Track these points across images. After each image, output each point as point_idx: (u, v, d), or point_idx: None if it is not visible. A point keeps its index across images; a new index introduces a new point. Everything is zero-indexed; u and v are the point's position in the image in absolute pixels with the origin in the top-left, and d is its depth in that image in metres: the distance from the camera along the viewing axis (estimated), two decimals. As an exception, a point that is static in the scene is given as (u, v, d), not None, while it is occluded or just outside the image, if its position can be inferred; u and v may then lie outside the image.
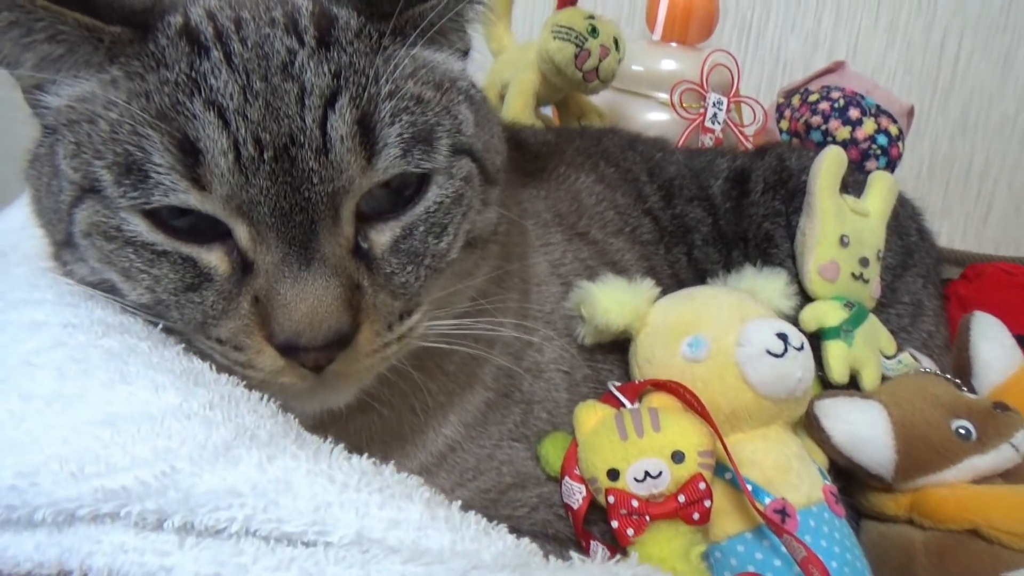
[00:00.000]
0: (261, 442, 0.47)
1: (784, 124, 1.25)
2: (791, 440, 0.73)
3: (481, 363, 0.70)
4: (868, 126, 1.15)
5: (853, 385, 0.84)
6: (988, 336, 0.88)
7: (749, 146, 1.23)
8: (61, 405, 0.48)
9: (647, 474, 0.64)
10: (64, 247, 0.59)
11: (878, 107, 1.18)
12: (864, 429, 0.75)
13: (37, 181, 0.59)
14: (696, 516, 0.63)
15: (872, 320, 0.88)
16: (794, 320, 0.82)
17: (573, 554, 0.50)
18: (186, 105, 0.51)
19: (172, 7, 0.55)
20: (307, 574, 0.42)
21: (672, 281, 0.91)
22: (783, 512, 0.67)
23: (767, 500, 0.67)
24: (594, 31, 1.10)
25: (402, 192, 0.57)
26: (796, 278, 0.88)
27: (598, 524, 0.67)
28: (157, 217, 0.53)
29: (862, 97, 1.19)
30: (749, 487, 0.66)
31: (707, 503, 0.63)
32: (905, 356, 0.88)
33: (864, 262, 0.89)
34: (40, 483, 0.43)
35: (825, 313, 0.85)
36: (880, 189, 0.94)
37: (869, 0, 1.72)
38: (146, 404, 0.48)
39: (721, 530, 0.68)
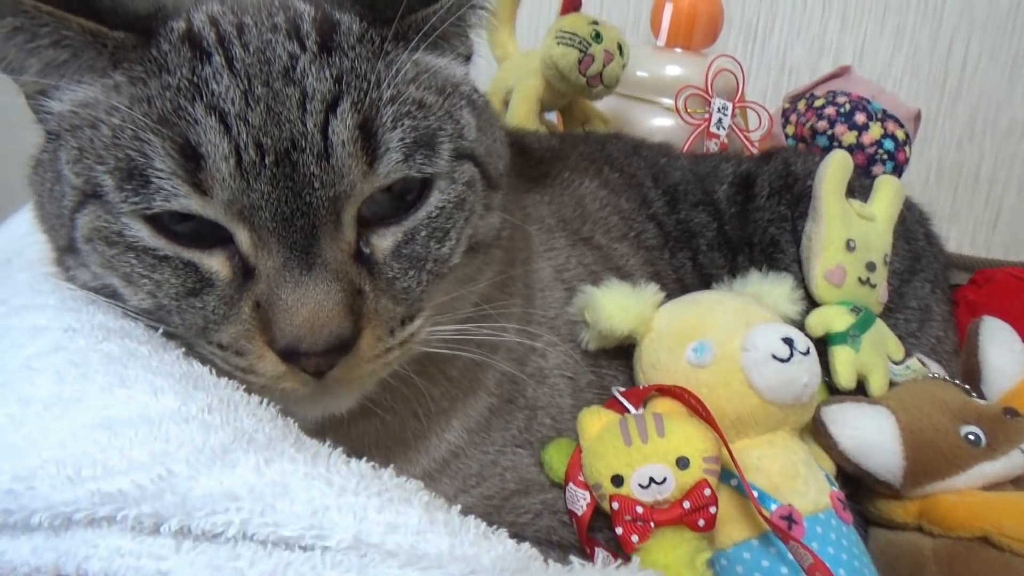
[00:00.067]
0: (259, 445, 0.47)
1: (790, 129, 1.24)
2: (798, 446, 0.72)
3: (484, 369, 0.70)
4: (874, 131, 1.14)
5: (860, 391, 0.83)
6: (997, 341, 0.88)
7: (755, 151, 1.23)
8: (60, 409, 0.48)
9: (652, 480, 0.63)
10: (66, 252, 0.59)
11: (884, 112, 1.18)
12: (872, 435, 0.75)
13: (40, 187, 0.59)
14: (701, 523, 0.62)
15: (879, 325, 0.87)
16: (800, 325, 0.81)
17: (573, 558, 0.50)
18: (188, 110, 0.51)
19: (175, 13, 0.55)
20: (303, 578, 0.42)
21: (677, 286, 0.90)
22: (790, 519, 0.66)
23: (773, 506, 0.67)
24: (598, 36, 1.10)
25: (404, 197, 0.57)
26: (802, 283, 0.88)
27: (603, 531, 0.67)
28: (159, 222, 0.53)
29: (868, 102, 1.18)
30: (755, 493, 0.65)
31: (712, 509, 0.62)
32: (913, 362, 0.87)
33: (871, 267, 0.88)
34: (37, 487, 0.43)
35: (832, 318, 0.84)
36: (886, 193, 0.93)
37: (875, 5, 1.72)
38: (144, 408, 0.48)
39: (727, 537, 0.67)
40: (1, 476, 0.44)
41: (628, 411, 0.70)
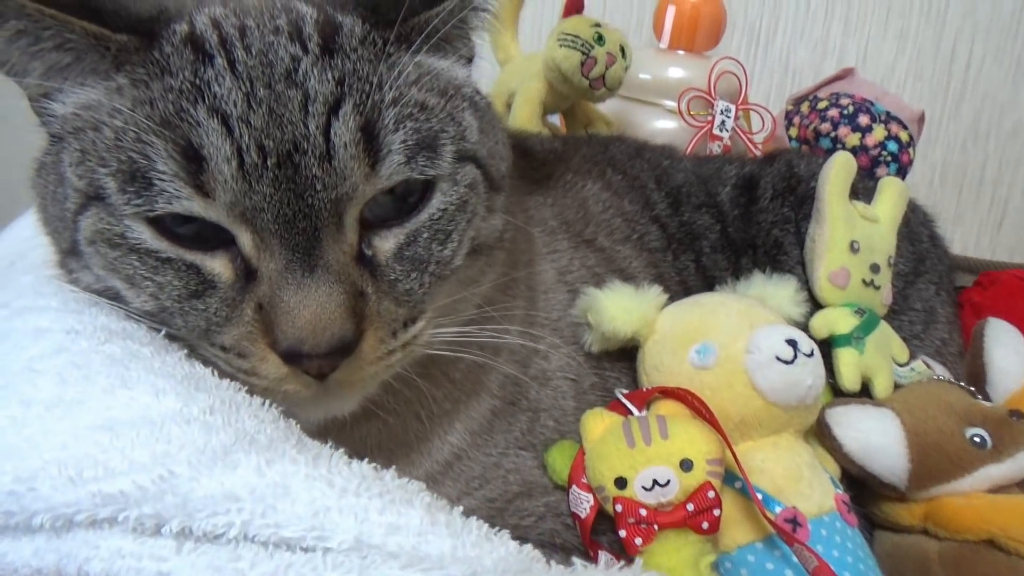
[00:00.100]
0: (260, 446, 0.47)
1: (793, 131, 1.24)
2: (802, 448, 0.72)
3: (487, 371, 0.70)
4: (878, 132, 1.14)
5: (865, 393, 0.83)
6: (1003, 343, 0.87)
7: (758, 153, 1.23)
8: (62, 410, 0.48)
9: (655, 482, 0.63)
10: (69, 255, 0.59)
11: (888, 113, 1.17)
12: (876, 437, 0.74)
13: (43, 189, 0.60)
14: (705, 525, 0.62)
15: (884, 327, 0.87)
16: (804, 327, 0.81)
17: (575, 560, 0.50)
18: (190, 112, 0.51)
19: (178, 15, 0.55)
20: (303, 580, 0.42)
21: (680, 288, 0.90)
22: (794, 521, 0.66)
23: (778, 509, 0.66)
24: (600, 39, 1.10)
25: (406, 199, 0.57)
26: (806, 285, 0.87)
27: (606, 534, 0.66)
28: (161, 224, 0.53)
29: (872, 103, 1.18)
30: (759, 496, 0.65)
31: (716, 512, 0.62)
32: (918, 364, 0.87)
33: (875, 268, 0.88)
34: (38, 488, 0.43)
35: (836, 320, 0.84)
36: (890, 195, 0.93)
37: (878, 8, 1.71)
38: (146, 409, 0.48)
39: (731, 540, 0.67)
40: (3, 478, 0.44)
41: (631, 413, 0.70)
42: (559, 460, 0.70)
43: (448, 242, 0.59)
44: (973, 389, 0.83)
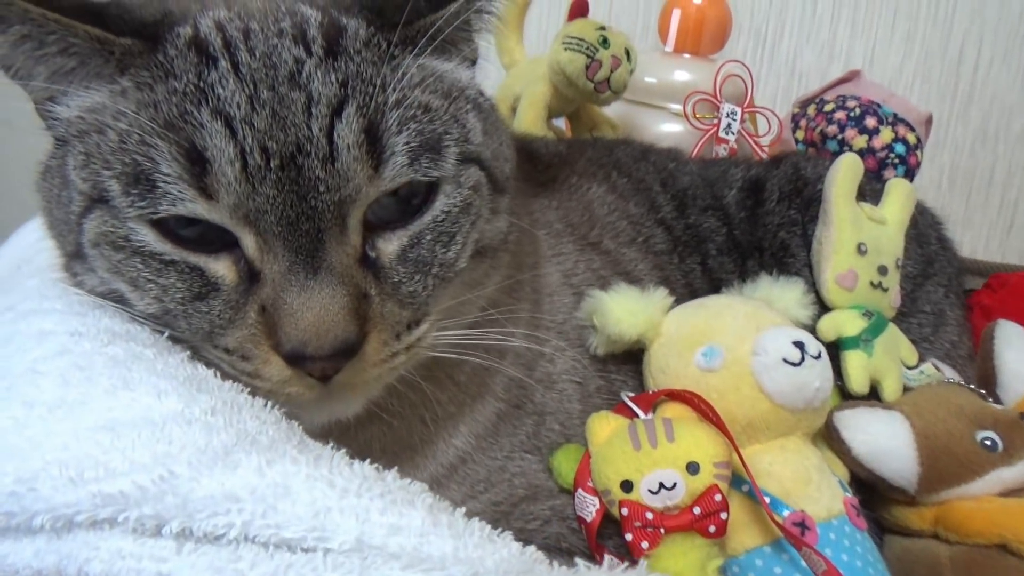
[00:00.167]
0: (261, 447, 0.47)
1: (800, 134, 1.24)
2: (810, 451, 0.71)
3: (492, 374, 0.70)
4: (885, 135, 1.13)
5: (874, 396, 0.82)
6: (1013, 345, 0.86)
7: (764, 156, 1.22)
8: (63, 411, 0.48)
9: (661, 486, 0.62)
10: (74, 258, 0.59)
11: (895, 116, 1.17)
12: (886, 440, 0.73)
13: (48, 193, 0.60)
14: (712, 529, 0.61)
15: (892, 329, 0.86)
16: (812, 330, 0.80)
17: (579, 560, 0.49)
18: (193, 115, 0.51)
19: (182, 19, 0.56)
20: (303, 580, 0.41)
21: (686, 291, 0.89)
22: (802, 525, 0.65)
23: (786, 512, 0.66)
24: (605, 42, 1.10)
25: (410, 201, 0.57)
26: (813, 288, 0.87)
27: (612, 538, 0.66)
28: (165, 227, 0.53)
29: (879, 106, 1.18)
30: (767, 499, 0.64)
31: (723, 515, 0.61)
32: (927, 366, 0.86)
33: (883, 270, 0.87)
34: (39, 488, 0.43)
35: (843, 322, 0.84)
36: (898, 196, 0.92)
37: (885, 10, 1.71)
38: (148, 410, 0.48)
39: (739, 543, 0.66)
40: (4, 478, 0.44)
41: (637, 416, 0.69)
42: (564, 463, 0.70)
43: (452, 244, 0.59)
44: (983, 392, 0.82)
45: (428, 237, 0.57)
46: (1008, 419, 0.76)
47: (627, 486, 0.63)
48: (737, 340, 0.71)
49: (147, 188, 0.51)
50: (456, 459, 0.67)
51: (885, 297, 0.87)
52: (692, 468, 0.62)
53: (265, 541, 0.42)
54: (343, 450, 0.52)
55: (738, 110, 1.25)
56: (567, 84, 1.12)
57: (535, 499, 0.69)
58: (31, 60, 0.55)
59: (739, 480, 0.66)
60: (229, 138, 0.51)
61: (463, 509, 0.50)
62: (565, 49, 1.10)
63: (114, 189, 0.52)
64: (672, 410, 0.69)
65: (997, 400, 0.83)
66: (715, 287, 0.92)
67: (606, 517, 0.65)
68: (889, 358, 0.83)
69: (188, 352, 0.57)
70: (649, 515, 0.62)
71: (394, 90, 0.54)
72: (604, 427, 0.69)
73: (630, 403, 0.71)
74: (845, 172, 0.88)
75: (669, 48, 1.36)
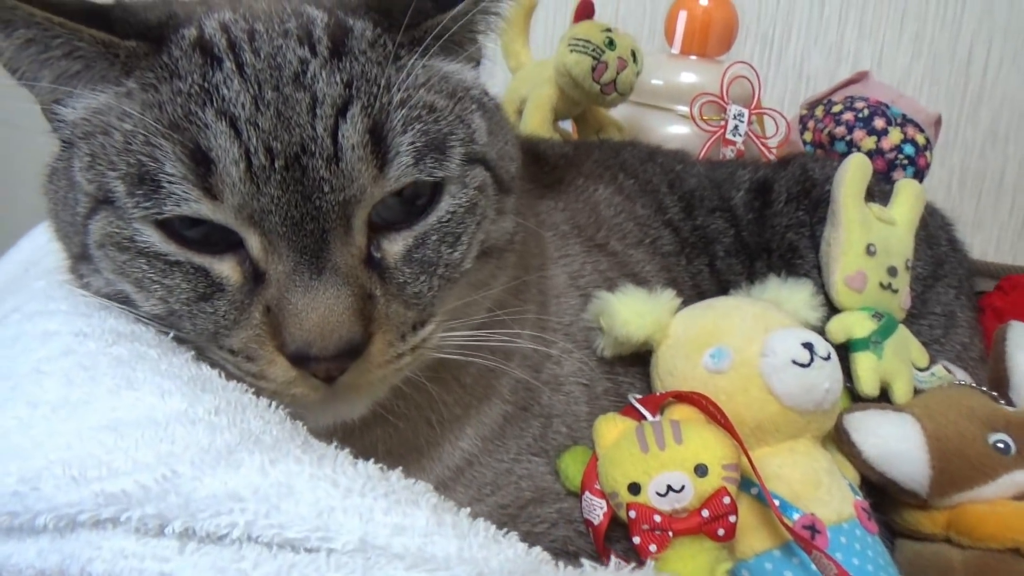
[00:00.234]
0: (265, 446, 0.47)
1: (808, 136, 1.23)
2: (820, 454, 0.70)
3: (499, 375, 0.69)
4: (894, 136, 1.12)
5: (884, 398, 0.81)
6: (1026, 346, 0.85)
7: (772, 158, 1.22)
8: (67, 411, 0.48)
9: (669, 488, 0.62)
10: (80, 260, 0.59)
11: (904, 116, 1.16)
12: (896, 443, 0.72)
13: (54, 195, 0.60)
14: (721, 532, 0.61)
15: (903, 331, 0.85)
16: (821, 332, 0.79)
17: (585, 561, 0.49)
18: (198, 115, 0.51)
19: (187, 21, 0.56)
20: (306, 580, 0.41)
21: (694, 293, 0.89)
22: (812, 528, 0.64)
23: (795, 516, 0.65)
24: (611, 44, 1.10)
25: (415, 201, 0.57)
26: (822, 289, 0.86)
27: (620, 541, 0.65)
28: (170, 227, 0.53)
29: (887, 107, 1.17)
30: (776, 502, 0.64)
31: (732, 518, 0.61)
32: (938, 368, 0.85)
33: (892, 271, 0.86)
34: (42, 488, 0.43)
35: (853, 324, 0.83)
36: (907, 197, 0.91)
37: (893, 12, 1.70)
38: (151, 409, 0.48)
39: (748, 547, 0.65)
40: (7, 478, 0.44)
41: (645, 418, 0.69)
42: (572, 466, 0.69)
43: (457, 244, 0.58)
44: (995, 394, 0.81)
45: (433, 238, 0.57)
46: (1021, 421, 0.75)
47: (635, 488, 0.63)
48: (745, 341, 0.70)
49: (152, 188, 0.51)
50: (462, 461, 0.67)
51: (895, 299, 0.87)
52: (700, 470, 0.62)
53: (268, 541, 0.42)
54: (347, 449, 0.52)
55: (745, 112, 1.25)
56: (573, 86, 1.11)
57: (542, 502, 0.68)
58: (36, 64, 0.55)
59: (748, 483, 0.65)
60: (234, 138, 0.51)
61: (467, 509, 0.50)
62: (571, 51, 1.10)
63: (119, 190, 0.52)
64: (680, 412, 0.68)
65: (1009, 402, 0.82)
66: (723, 289, 0.91)
67: (613, 520, 0.65)
68: (899, 360, 0.82)
69: (193, 352, 0.56)
70: (657, 518, 0.61)
71: (399, 90, 0.54)
72: (611, 429, 0.68)
73: (637, 405, 0.71)
74: (854, 172, 0.87)
75: (675, 50, 1.35)
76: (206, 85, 0.52)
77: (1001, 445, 0.72)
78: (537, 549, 0.49)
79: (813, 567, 0.62)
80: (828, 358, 0.68)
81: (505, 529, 0.49)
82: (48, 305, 0.59)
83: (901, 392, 0.81)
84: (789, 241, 0.92)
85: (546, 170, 0.92)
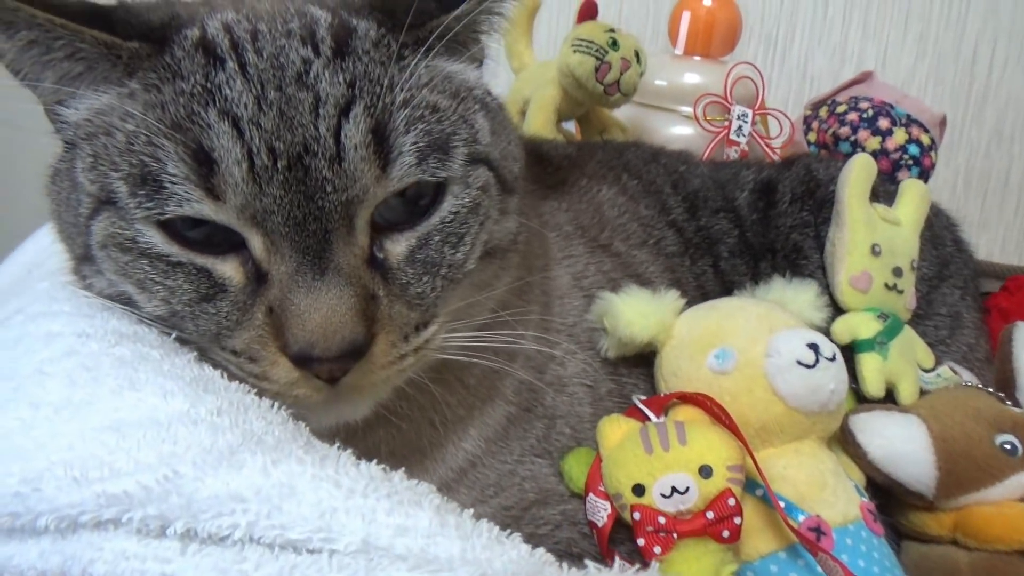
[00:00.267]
0: (267, 447, 0.47)
1: (812, 136, 1.22)
2: (825, 455, 0.70)
3: (502, 376, 0.69)
4: (899, 136, 1.12)
5: (890, 400, 0.81)
6: (1032, 347, 0.85)
7: (776, 158, 1.21)
8: (69, 412, 0.48)
9: (674, 489, 0.61)
10: (83, 261, 0.59)
11: (908, 117, 1.15)
12: (902, 444, 0.72)
13: (57, 196, 0.60)
14: (726, 533, 0.60)
15: (908, 332, 0.85)
16: (826, 333, 0.79)
17: (589, 563, 0.49)
18: (201, 115, 0.51)
19: (190, 21, 0.56)
20: (308, 581, 0.41)
21: (698, 294, 0.89)
22: (818, 530, 0.64)
23: (801, 517, 0.65)
24: (614, 44, 1.10)
25: (418, 202, 0.57)
26: (827, 290, 0.86)
27: (624, 543, 0.65)
28: (172, 228, 0.53)
29: (892, 107, 1.16)
30: (782, 504, 0.63)
31: (737, 520, 0.60)
32: (944, 369, 0.85)
33: (897, 272, 0.86)
34: (43, 489, 0.43)
35: (858, 325, 0.82)
36: (912, 197, 0.91)
37: (897, 12, 1.70)
38: (153, 410, 0.48)
39: (753, 549, 0.65)
40: (9, 479, 0.44)
41: (649, 419, 0.68)
42: (575, 467, 0.69)
43: (460, 245, 0.58)
44: (1002, 395, 0.81)
45: (436, 238, 0.57)
46: (1028, 422, 0.74)
47: (639, 490, 0.62)
48: (750, 342, 0.70)
49: (154, 189, 0.51)
50: (466, 463, 0.67)
51: (900, 299, 0.86)
52: (705, 472, 0.61)
53: (270, 542, 0.42)
54: (350, 450, 0.51)
55: (749, 112, 1.24)
56: (576, 87, 1.11)
57: (545, 503, 0.68)
58: (38, 65, 0.55)
59: (753, 484, 0.65)
60: (236, 138, 0.51)
61: (471, 510, 0.49)
62: (574, 51, 1.10)
63: (121, 190, 0.52)
64: (684, 413, 0.68)
65: (1016, 403, 0.82)
66: (727, 290, 0.91)
67: (618, 522, 0.64)
68: (905, 361, 0.82)
69: (195, 353, 0.56)
70: (661, 519, 0.61)
71: (402, 90, 0.54)
72: (615, 430, 0.68)
73: (641, 406, 0.70)
74: (858, 172, 0.87)
75: (679, 50, 1.35)
76: (208, 85, 0.52)
77: (1008, 446, 0.72)
78: (541, 551, 0.49)
79: (819, 569, 0.61)
80: (833, 359, 0.68)
81: (509, 531, 0.49)
82: (51, 306, 0.59)
83: (907, 393, 0.80)
84: (793, 242, 0.92)
85: (549, 171, 0.92)
